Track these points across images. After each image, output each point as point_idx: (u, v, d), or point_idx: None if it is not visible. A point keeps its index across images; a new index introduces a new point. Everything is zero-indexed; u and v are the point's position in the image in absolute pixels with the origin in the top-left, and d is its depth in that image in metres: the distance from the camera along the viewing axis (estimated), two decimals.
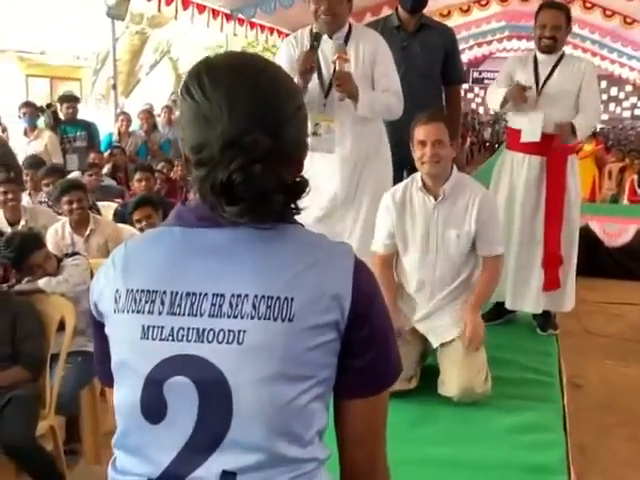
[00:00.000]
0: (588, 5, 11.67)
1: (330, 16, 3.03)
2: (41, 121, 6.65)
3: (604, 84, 21.83)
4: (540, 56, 3.64)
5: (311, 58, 3.01)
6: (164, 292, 0.97)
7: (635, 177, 8.31)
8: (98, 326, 1.06)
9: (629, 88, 21.71)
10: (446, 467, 2.37)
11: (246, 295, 0.95)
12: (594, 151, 9.17)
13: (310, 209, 3.22)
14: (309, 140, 3.29)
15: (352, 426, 1.05)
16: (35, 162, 5.13)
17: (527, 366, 3.20)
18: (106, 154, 6.73)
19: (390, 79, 3.16)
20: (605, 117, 21.75)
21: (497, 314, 3.83)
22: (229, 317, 0.95)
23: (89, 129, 6.74)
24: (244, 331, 0.94)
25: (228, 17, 9.40)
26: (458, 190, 2.89)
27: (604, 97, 22.02)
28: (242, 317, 0.95)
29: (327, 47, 3.09)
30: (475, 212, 2.85)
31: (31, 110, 6.34)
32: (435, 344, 2.90)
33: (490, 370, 3.01)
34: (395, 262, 3.03)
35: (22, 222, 4.20)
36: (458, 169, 2.98)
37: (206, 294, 0.96)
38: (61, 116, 6.76)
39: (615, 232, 6.35)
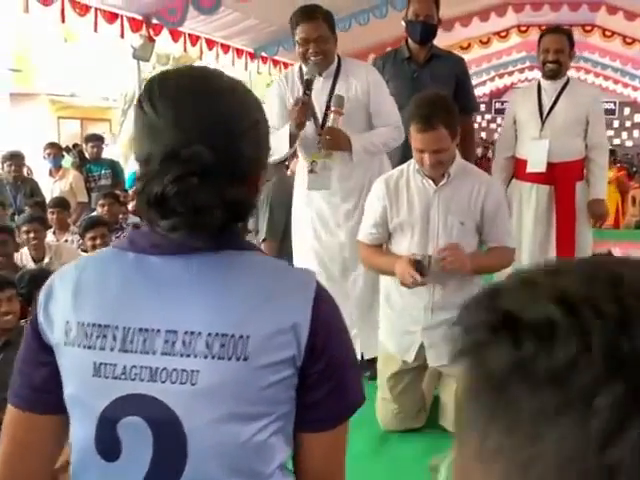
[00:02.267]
0: (608, 34, 11.71)
1: (320, 56, 3.06)
2: (66, 161, 6.84)
3: (627, 111, 21.65)
4: (544, 83, 3.67)
5: (305, 109, 3.02)
6: (116, 327, 0.94)
7: None
8: (40, 342, 1.00)
9: None
10: None
11: (199, 333, 0.92)
12: (616, 177, 9.12)
13: (310, 239, 3.26)
14: (307, 178, 3.35)
15: (310, 460, 1.02)
16: (60, 202, 5.29)
17: None
18: (131, 191, 6.88)
19: (388, 112, 3.18)
20: (630, 144, 21.53)
21: None
22: (182, 356, 0.92)
23: (114, 167, 6.90)
24: (197, 371, 0.92)
25: (252, 56, 9.62)
26: (462, 175, 2.67)
27: (628, 124, 21.85)
28: (195, 356, 0.92)
29: (318, 86, 3.12)
30: (482, 200, 2.63)
31: (55, 151, 6.51)
32: (431, 363, 2.72)
33: None
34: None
35: (46, 259, 4.30)
36: None
37: (159, 330, 0.93)
38: (87, 155, 6.96)
39: None
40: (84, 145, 7.07)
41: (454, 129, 2.58)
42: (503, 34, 12.31)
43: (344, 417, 1.03)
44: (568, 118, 3.61)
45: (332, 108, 3.05)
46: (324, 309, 0.99)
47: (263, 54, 9.73)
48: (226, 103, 0.97)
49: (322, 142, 3.02)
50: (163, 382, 0.92)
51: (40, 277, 3.31)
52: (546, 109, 3.64)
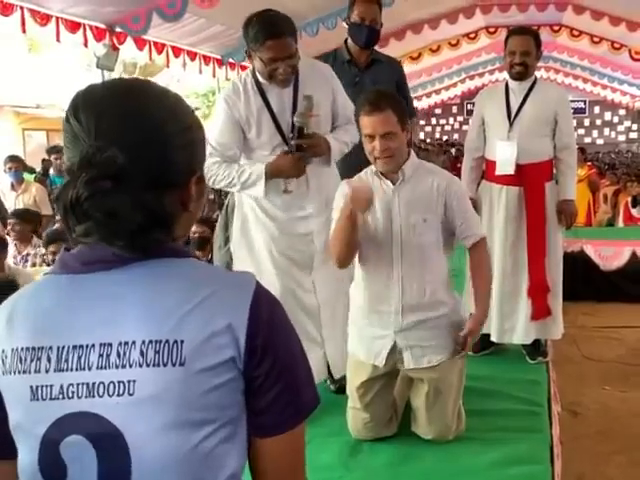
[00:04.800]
0: (575, 33, 11.84)
1: (290, 73, 2.82)
2: (27, 174, 6.70)
3: (597, 109, 21.94)
4: (512, 84, 3.62)
5: (302, 162, 2.84)
6: (50, 348, 0.93)
7: (629, 199, 8.29)
8: None
9: (622, 112, 21.83)
10: None
11: (133, 342, 0.91)
12: (587, 175, 9.17)
13: (284, 251, 3.03)
14: (280, 198, 3.03)
15: (265, 464, 0.99)
16: (19, 213, 5.15)
17: (514, 396, 3.13)
18: None
19: (348, 109, 3.07)
20: (601, 142, 21.78)
21: (484, 345, 3.77)
22: (117, 367, 0.91)
23: None
24: (134, 381, 0.90)
25: (219, 62, 9.55)
26: (419, 173, 2.65)
27: (598, 122, 22.12)
28: (130, 366, 0.90)
29: (276, 95, 2.89)
30: (443, 197, 2.61)
31: (16, 164, 6.37)
32: (408, 365, 2.68)
33: (476, 403, 2.96)
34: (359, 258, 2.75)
35: None
36: None
37: (93, 345, 0.92)
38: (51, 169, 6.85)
39: (610, 255, 6.33)
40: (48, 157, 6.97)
41: (403, 117, 2.58)
42: (472, 36, 12.40)
43: (296, 421, 0.99)
44: (536, 119, 3.56)
45: (304, 111, 2.83)
46: (265, 310, 0.97)
47: (231, 60, 9.67)
48: (150, 109, 0.96)
49: (306, 150, 2.85)
50: (101, 396, 0.91)
51: (3, 285, 3.28)
52: (514, 110, 3.59)
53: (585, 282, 6.16)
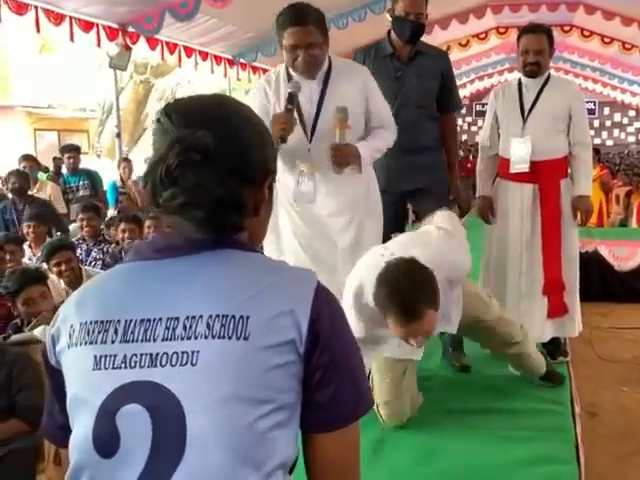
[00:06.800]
0: (586, 33, 11.78)
1: (311, 64, 2.81)
2: (40, 174, 6.69)
3: (607, 110, 21.87)
4: (525, 80, 3.57)
5: (289, 121, 2.75)
6: (118, 321, 0.96)
7: None
8: (52, 374, 1.03)
9: (632, 113, 21.77)
10: None
11: (200, 316, 0.94)
12: (599, 176, 9.12)
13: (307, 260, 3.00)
14: (292, 190, 3.03)
15: (321, 460, 1.00)
16: (36, 214, 5.12)
17: (537, 396, 3.10)
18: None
19: (383, 113, 3.02)
20: (610, 143, 21.71)
21: None
22: (183, 339, 0.93)
23: (91, 178, 6.79)
24: (197, 351, 0.92)
25: (231, 62, 9.60)
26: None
27: (608, 123, 22.04)
28: (196, 338, 0.93)
29: (307, 88, 2.87)
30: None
31: (31, 163, 6.38)
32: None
33: (498, 401, 2.96)
34: None
35: None
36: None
37: (160, 319, 0.95)
38: (63, 167, 6.83)
39: (625, 256, 6.28)
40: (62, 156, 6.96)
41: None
42: (482, 36, 12.36)
43: (356, 415, 1.01)
44: (550, 115, 3.52)
45: (336, 122, 2.81)
46: (325, 305, 1.00)
47: (242, 60, 9.71)
48: (229, 115, 1.04)
49: (332, 161, 2.83)
50: (163, 366, 0.93)
51: (31, 274, 3.40)
52: (527, 106, 3.55)
53: (599, 283, 6.13)
